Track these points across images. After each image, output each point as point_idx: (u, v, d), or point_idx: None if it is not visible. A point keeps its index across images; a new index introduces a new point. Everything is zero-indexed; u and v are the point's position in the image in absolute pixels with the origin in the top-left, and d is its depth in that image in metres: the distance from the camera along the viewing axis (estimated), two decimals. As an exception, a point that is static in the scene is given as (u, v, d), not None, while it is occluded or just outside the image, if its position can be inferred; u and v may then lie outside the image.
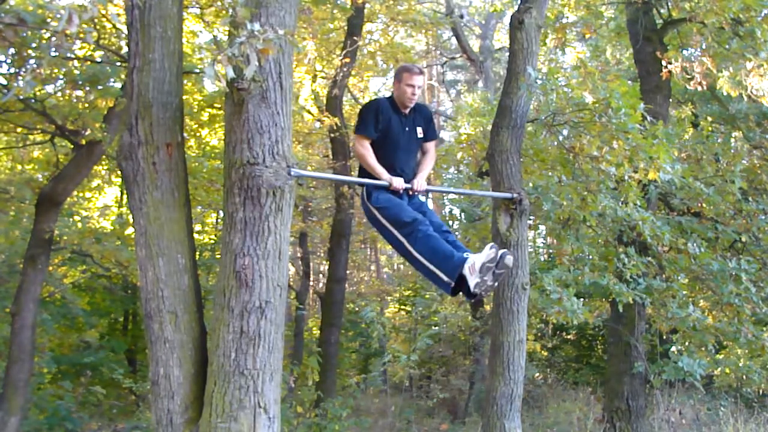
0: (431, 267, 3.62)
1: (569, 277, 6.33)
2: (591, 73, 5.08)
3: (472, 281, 3.43)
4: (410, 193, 4.04)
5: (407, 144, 4.01)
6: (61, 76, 7.30)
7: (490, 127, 5.67)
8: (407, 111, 4.05)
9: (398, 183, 3.97)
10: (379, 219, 3.83)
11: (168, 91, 3.76)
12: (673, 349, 9.45)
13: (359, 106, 12.98)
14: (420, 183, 4.07)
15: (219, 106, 9.19)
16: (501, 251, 3.47)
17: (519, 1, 5.62)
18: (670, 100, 9.04)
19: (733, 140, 9.15)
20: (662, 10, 8.39)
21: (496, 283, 3.49)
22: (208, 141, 11.32)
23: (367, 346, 15.25)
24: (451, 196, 15.81)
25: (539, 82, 4.95)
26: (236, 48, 2.93)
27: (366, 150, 3.98)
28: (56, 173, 7.97)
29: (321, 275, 18.55)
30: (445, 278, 3.57)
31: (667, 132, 4.86)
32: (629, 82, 5.74)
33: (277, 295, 3.53)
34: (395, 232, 3.75)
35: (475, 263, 3.45)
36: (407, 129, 3.99)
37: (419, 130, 4.05)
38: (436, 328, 13.57)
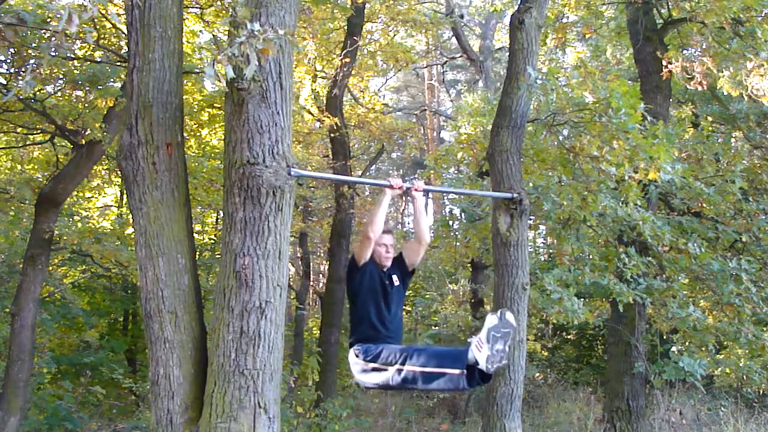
0: (436, 370, 3.48)
1: (569, 277, 6.33)
2: (591, 73, 5.08)
3: (483, 357, 3.31)
4: (411, 192, 4.03)
5: (391, 297, 3.96)
6: (61, 76, 7.29)
7: (490, 127, 5.67)
8: (386, 268, 4.04)
9: (397, 181, 3.98)
10: (377, 367, 3.69)
11: (168, 91, 3.77)
12: (674, 349, 9.45)
13: (359, 106, 13.03)
14: (419, 183, 4.07)
15: (219, 106, 9.18)
16: (499, 311, 3.38)
17: (519, 1, 5.62)
18: (671, 100, 9.03)
19: (733, 140, 9.15)
20: (662, 10, 8.38)
21: (507, 348, 3.35)
22: (208, 141, 11.32)
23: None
24: (451, 196, 15.81)
25: (539, 82, 4.95)
26: (236, 48, 2.92)
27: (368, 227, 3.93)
28: (56, 173, 7.97)
29: (321, 275, 18.55)
30: (456, 370, 3.42)
31: (668, 132, 4.86)
32: (629, 82, 5.73)
33: (277, 295, 3.53)
34: (390, 368, 3.60)
35: (480, 338, 3.35)
36: (387, 282, 3.98)
37: (395, 278, 4.03)
38: (436, 328, 13.57)
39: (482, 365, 3.32)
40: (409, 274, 4.16)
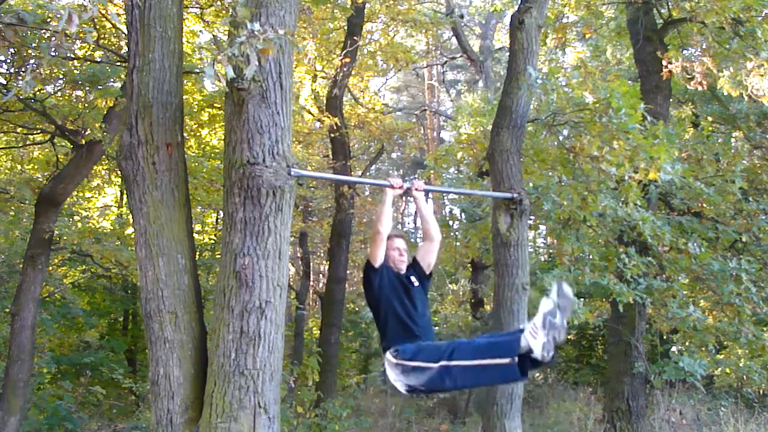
0: (485, 362, 3.24)
1: (569, 277, 6.32)
2: (591, 73, 5.09)
3: (538, 344, 3.08)
4: (412, 191, 4.03)
5: (414, 296, 3.91)
6: (61, 76, 7.29)
7: (490, 127, 5.67)
8: (402, 272, 4.01)
9: (397, 180, 3.98)
10: (421, 366, 3.49)
11: (168, 91, 3.76)
12: (674, 349, 9.45)
13: (359, 106, 13.03)
14: (419, 182, 4.07)
15: (219, 106, 9.18)
16: (558, 282, 3.16)
17: (519, 1, 5.62)
18: (671, 100, 9.04)
19: (733, 140, 9.15)
20: (662, 10, 8.38)
21: (564, 330, 3.09)
22: (208, 141, 11.32)
23: (367, 346, 15.26)
24: (451, 196, 15.82)
25: (539, 82, 4.95)
26: (236, 48, 2.92)
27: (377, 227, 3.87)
28: (56, 173, 7.97)
29: (321, 275, 18.55)
30: (506, 360, 3.19)
31: (668, 132, 4.86)
32: (629, 82, 5.74)
33: (277, 295, 3.52)
34: (434, 365, 3.41)
35: (535, 323, 3.13)
36: (407, 282, 3.94)
37: (413, 279, 3.99)
38: (436, 328, 13.57)
39: (537, 354, 3.09)
40: (426, 277, 4.09)
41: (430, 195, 13.89)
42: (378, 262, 3.84)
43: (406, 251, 4.01)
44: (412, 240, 15.92)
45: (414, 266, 4.06)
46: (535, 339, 3.10)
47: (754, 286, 6.45)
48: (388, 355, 3.66)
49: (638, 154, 4.64)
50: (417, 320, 3.77)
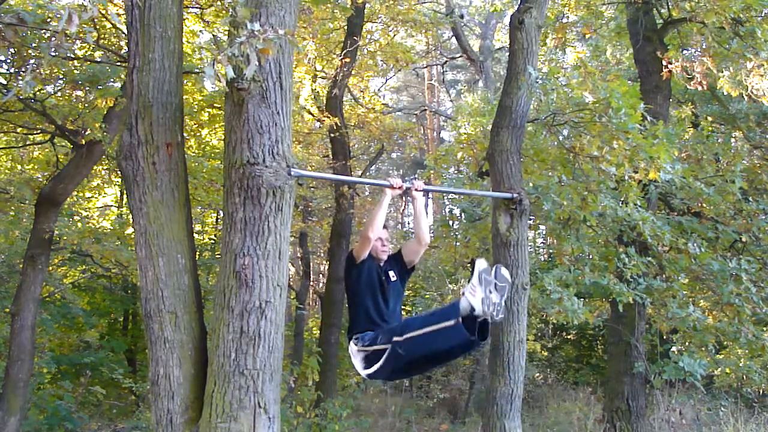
0: (432, 328, 3.44)
1: (569, 277, 6.33)
2: (591, 73, 5.08)
3: (477, 300, 3.31)
4: (411, 192, 4.04)
5: (389, 292, 4.01)
6: (61, 76, 7.29)
7: (490, 127, 5.67)
8: (383, 262, 4.11)
9: (397, 181, 3.99)
10: (378, 349, 3.68)
11: (168, 91, 3.76)
12: (674, 349, 9.45)
13: (359, 106, 13.03)
14: (419, 183, 4.08)
15: (219, 106, 9.19)
16: (495, 265, 3.45)
17: (519, 1, 5.62)
18: (670, 100, 9.04)
19: (733, 140, 9.15)
20: (662, 10, 8.38)
21: (503, 300, 3.38)
22: (208, 141, 11.32)
23: (368, 345, 15.22)
24: (451, 196, 15.78)
25: (539, 82, 4.95)
26: (236, 48, 2.92)
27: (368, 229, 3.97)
28: (56, 173, 7.97)
29: (321, 275, 18.55)
30: (451, 322, 3.38)
31: (668, 132, 4.86)
32: (629, 82, 5.74)
33: (277, 295, 3.52)
34: (389, 345, 3.60)
35: (472, 283, 3.37)
36: (384, 278, 4.03)
37: (392, 273, 4.08)
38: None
39: (478, 309, 3.32)
40: (407, 271, 4.19)
41: (430, 195, 13.90)
42: (361, 259, 3.96)
43: (387, 241, 4.12)
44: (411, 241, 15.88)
45: (397, 260, 4.15)
46: (474, 296, 3.35)
47: (754, 286, 6.45)
48: (352, 344, 3.83)
49: (638, 154, 4.64)
50: (387, 318, 3.91)
